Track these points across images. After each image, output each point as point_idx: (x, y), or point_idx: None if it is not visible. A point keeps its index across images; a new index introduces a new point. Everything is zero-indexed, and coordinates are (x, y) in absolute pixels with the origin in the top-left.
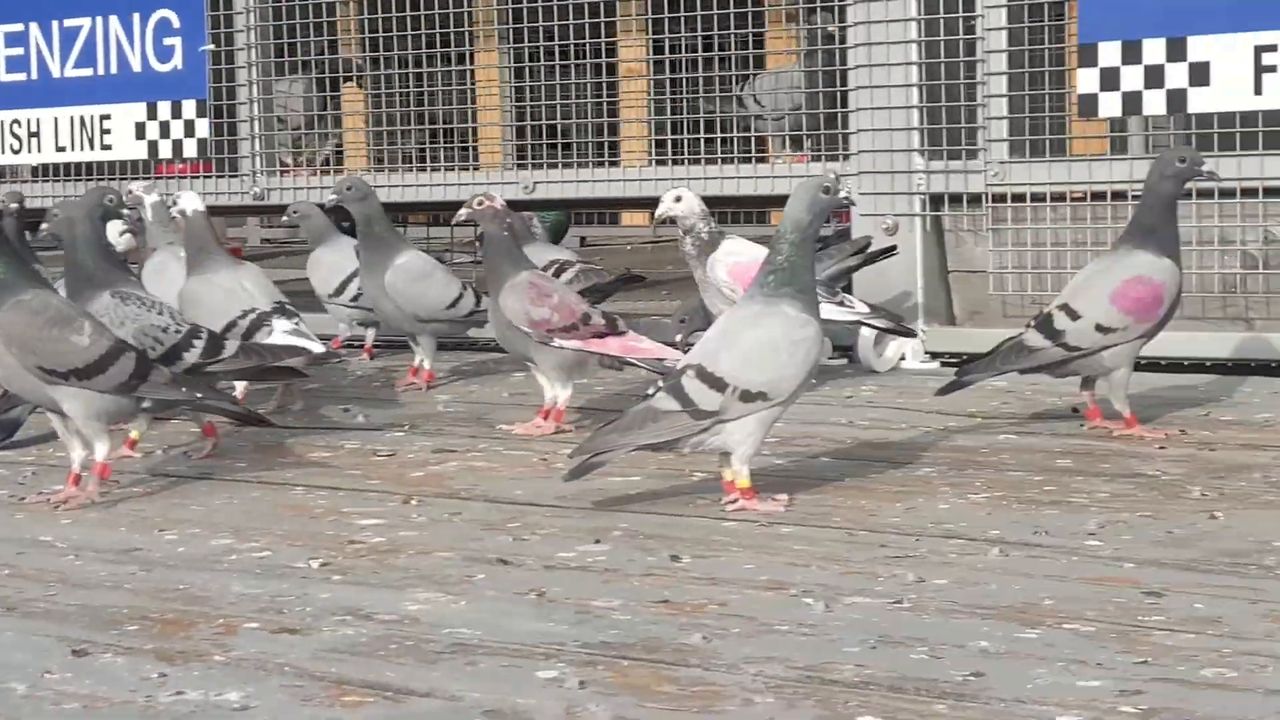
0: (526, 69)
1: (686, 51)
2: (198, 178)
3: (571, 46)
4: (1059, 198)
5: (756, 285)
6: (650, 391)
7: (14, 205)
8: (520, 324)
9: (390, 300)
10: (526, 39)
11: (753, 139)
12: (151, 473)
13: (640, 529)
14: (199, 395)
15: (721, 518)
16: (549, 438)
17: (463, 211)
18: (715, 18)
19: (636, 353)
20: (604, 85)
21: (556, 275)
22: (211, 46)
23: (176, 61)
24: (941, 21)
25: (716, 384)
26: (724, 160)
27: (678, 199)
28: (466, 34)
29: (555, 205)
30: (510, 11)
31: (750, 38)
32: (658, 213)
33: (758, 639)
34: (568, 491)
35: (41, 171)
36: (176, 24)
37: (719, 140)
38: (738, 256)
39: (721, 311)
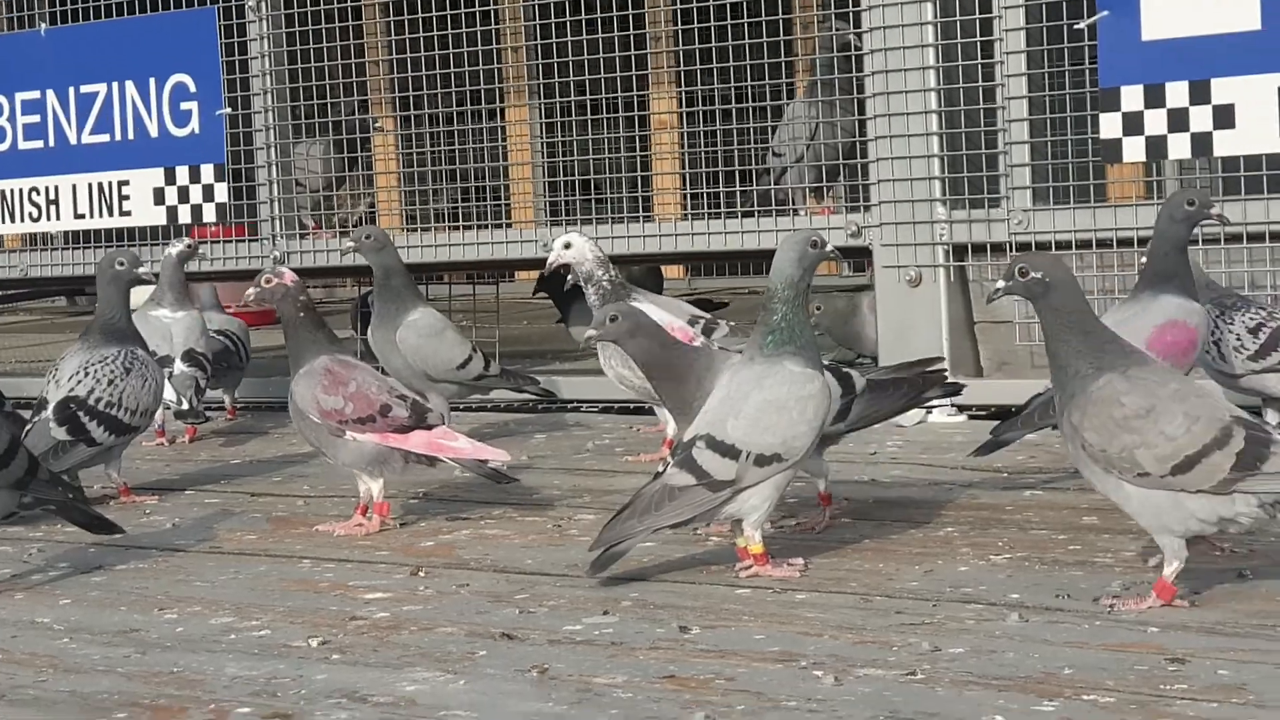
0: (558, 124)
1: (717, 102)
2: (219, 242)
3: (603, 100)
4: (1085, 244)
5: (755, 347)
6: (660, 469)
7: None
8: (310, 413)
9: (399, 355)
10: (558, 94)
11: (773, 191)
12: (159, 548)
13: (650, 599)
14: (70, 495)
15: (734, 585)
16: (566, 502)
17: (250, 291)
18: (747, 68)
19: (447, 451)
20: (635, 138)
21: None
22: (228, 110)
23: (193, 126)
24: (960, 69)
25: (729, 451)
26: (745, 214)
27: (567, 245)
28: (496, 90)
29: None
30: (540, 67)
31: (785, 88)
32: (549, 262)
33: (763, 717)
34: (579, 560)
35: (62, 239)
36: (193, 88)
37: (739, 193)
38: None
39: (618, 373)
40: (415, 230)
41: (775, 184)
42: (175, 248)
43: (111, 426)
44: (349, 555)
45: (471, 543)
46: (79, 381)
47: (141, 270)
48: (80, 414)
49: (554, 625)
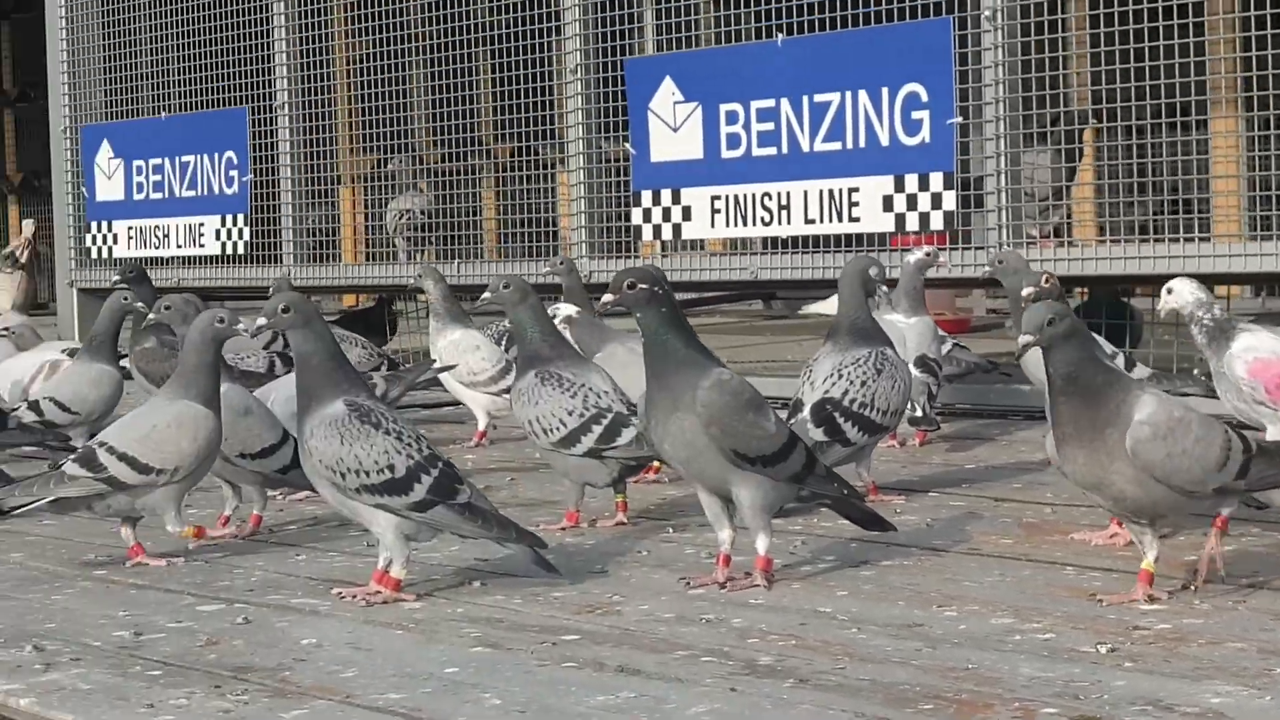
0: (1272, 136)
1: None
2: (942, 249)
3: None
4: None
5: None
6: None
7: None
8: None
9: None
10: (1273, 105)
11: None
12: (919, 546)
13: None
14: (845, 491)
15: None
16: None
17: (1028, 290)
18: None
19: None
20: None
21: None
22: (959, 119)
23: (924, 135)
24: None
25: None
26: None
27: (1169, 291)
28: (1206, 101)
29: None
30: (1252, 78)
31: None
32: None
33: None
34: None
35: (784, 244)
36: (924, 98)
37: None
38: (1257, 351)
39: (1238, 410)
40: (1104, 242)
41: None
42: (914, 254)
43: (864, 426)
44: (1112, 565)
45: (1236, 560)
46: (833, 383)
47: (873, 271)
48: (836, 415)
49: None
